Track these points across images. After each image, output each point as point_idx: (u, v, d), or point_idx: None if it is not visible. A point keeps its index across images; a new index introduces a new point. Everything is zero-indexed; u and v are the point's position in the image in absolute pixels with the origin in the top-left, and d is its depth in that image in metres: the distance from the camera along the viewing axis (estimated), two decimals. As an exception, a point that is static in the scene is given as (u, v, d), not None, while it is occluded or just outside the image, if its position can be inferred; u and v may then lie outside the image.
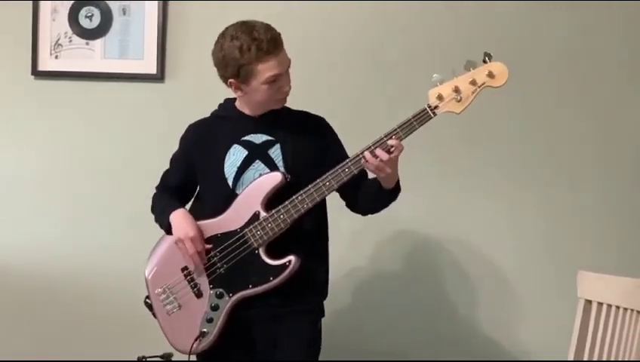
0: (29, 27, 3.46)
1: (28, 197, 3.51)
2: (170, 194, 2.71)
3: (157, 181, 2.78)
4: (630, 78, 3.39)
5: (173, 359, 2.68)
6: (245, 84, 2.52)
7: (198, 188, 2.72)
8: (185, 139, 2.73)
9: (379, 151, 2.43)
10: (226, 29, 2.54)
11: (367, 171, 2.54)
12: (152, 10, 3.44)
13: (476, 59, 2.48)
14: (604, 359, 2.40)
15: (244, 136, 2.60)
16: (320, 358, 2.69)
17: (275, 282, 2.52)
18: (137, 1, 3.45)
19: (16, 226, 3.51)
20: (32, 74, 3.49)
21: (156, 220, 2.69)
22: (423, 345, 3.40)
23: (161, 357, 2.71)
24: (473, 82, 2.46)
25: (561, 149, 3.41)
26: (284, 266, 2.52)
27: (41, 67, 3.48)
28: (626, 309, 2.36)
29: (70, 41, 3.48)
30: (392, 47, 3.42)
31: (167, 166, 2.79)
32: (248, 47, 2.45)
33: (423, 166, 3.33)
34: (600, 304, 2.45)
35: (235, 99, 2.66)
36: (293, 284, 2.53)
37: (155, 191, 2.77)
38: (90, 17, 3.48)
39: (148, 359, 2.66)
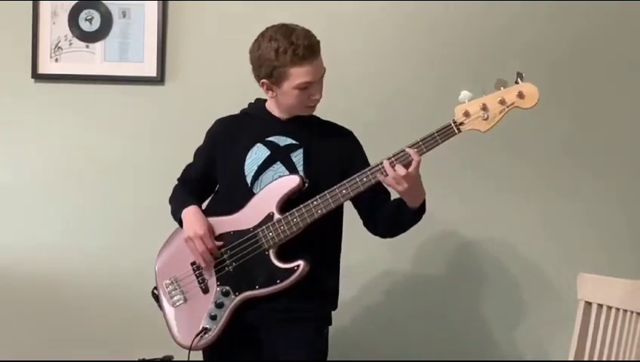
0: (29, 30, 3.46)
1: (28, 199, 3.51)
2: (190, 187, 2.70)
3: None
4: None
5: (173, 360, 2.69)
6: (277, 86, 2.53)
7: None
8: (210, 132, 2.72)
9: (397, 165, 2.41)
10: (267, 29, 2.54)
11: (388, 189, 2.52)
12: (152, 12, 3.44)
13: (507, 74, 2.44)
14: (604, 360, 2.41)
15: (269, 136, 2.60)
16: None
17: (281, 285, 2.51)
18: (137, 4, 3.45)
19: (17, 228, 3.51)
20: (32, 77, 3.48)
21: (171, 213, 2.69)
22: (422, 344, 3.40)
23: (161, 359, 2.71)
24: (502, 101, 2.40)
25: (563, 152, 3.42)
26: (292, 270, 2.51)
27: (41, 70, 3.48)
28: (625, 311, 2.36)
29: (70, 44, 3.48)
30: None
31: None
32: (284, 50, 2.46)
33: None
34: (600, 306, 2.45)
35: (265, 99, 2.66)
36: (301, 289, 2.52)
37: (176, 182, 2.76)
38: (90, 20, 3.48)
39: (148, 361, 2.66)
